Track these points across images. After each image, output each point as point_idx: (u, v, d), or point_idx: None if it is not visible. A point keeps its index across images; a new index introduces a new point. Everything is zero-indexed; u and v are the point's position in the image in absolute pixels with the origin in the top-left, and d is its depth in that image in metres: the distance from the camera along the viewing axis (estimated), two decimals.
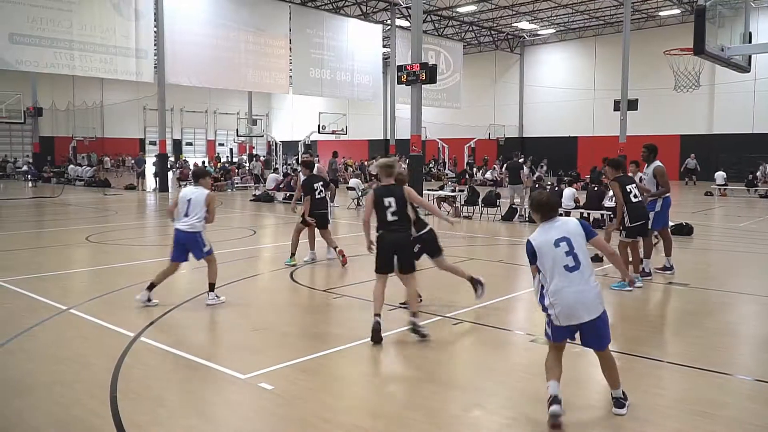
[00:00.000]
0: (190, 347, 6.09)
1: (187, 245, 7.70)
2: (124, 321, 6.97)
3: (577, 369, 5.47)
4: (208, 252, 7.75)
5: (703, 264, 11.35)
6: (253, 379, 5.23)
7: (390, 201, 6.33)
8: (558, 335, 4.61)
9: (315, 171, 11.83)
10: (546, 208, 4.63)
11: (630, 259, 9.04)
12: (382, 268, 6.45)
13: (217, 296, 7.73)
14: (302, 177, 11.07)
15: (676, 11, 35.27)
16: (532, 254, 4.56)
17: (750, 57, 9.95)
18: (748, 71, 10.09)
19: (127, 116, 51.02)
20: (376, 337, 6.13)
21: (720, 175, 28.11)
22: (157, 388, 5.17)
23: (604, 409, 4.79)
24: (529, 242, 4.57)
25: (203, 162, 39.91)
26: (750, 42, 9.26)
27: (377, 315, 6.24)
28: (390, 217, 6.33)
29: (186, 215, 7.67)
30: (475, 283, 7.62)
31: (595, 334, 4.53)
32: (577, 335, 4.57)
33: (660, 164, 9.79)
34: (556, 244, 4.47)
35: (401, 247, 6.42)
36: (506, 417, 4.68)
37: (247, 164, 40.39)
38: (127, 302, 7.77)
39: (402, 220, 6.39)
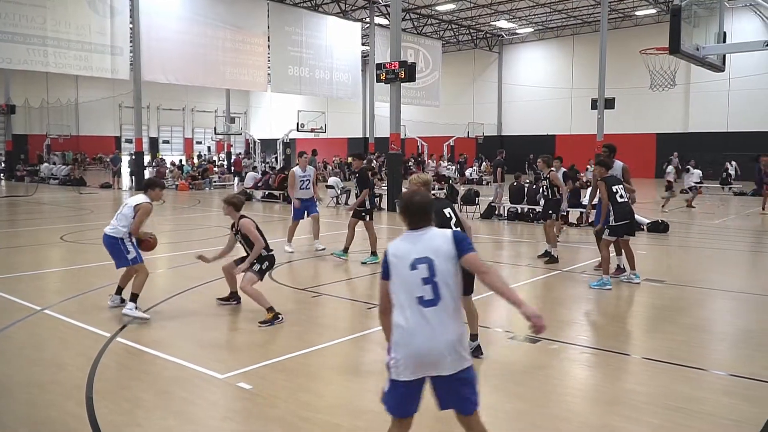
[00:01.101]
0: (168, 347, 6.02)
1: (108, 250, 7.27)
2: (100, 321, 6.88)
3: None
4: (134, 260, 7.25)
5: (679, 261, 11.49)
6: (231, 379, 5.19)
7: (449, 212, 5.79)
8: (398, 401, 3.55)
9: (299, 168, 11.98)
10: (414, 212, 3.47)
11: (613, 255, 9.17)
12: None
13: (137, 307, 7.03)
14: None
15: (652, 11, 35.66)
16: (386, 268, 3.43)
17: (724, 56, 10.11)
18: (723, 70, 10.24)
19: (103, 114, 50.39)
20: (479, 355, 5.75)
21: (696, 174, 28.42)
22: (134, 388, 5.10)
23: (595, 407, 4.81)
24: (386, 252, 3.48)
25: (180, 161, 39.54)
26: (724, 42, 9.41)
27: (476, 336, 5.78)
28: (454, 229, 5.61)
29: (115, 218, 7.32)
30: None
31: (453, 393, 3.46)
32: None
33: (623, 164, 9.85)
34: (414, 265, 3.31)
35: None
36: (487, 414, 4.69)
37: (225, 162, 40.10)
38: (103, 302, 7.67)
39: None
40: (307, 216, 12.10)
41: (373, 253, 10.61)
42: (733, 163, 29.60)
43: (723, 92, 35.03)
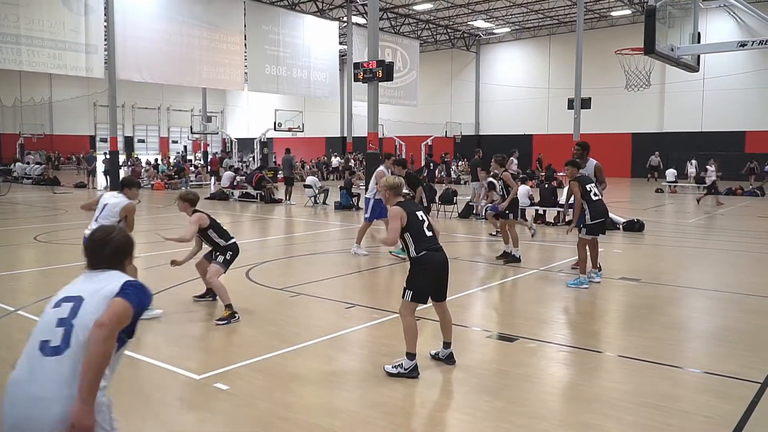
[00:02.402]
0: (143, 348, 5.94)
1: None
2: None
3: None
4: None
5: (654, 259, 11.62)
6: (208, 380, 5.13)
7: (421, 214, 5.40)
8: None
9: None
10: (93, 251, 2.84)
11: (589, 255, 9.21)
12: (424, 296, 5.33)
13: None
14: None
15: (628, 12, 36.05)
16: None
17: (699, 57, 10.22)
18: (697, 71, 10.35)
19: (77, 113, 49.66)
20: (416, 376, 5.25)
21: (671, 173, 28.87)
22: (109, 391, 5.01)
23: (559, 403, 4.83)
24: None
25: (156, 159, 39.10)
26: (699, 42, 9.50)
27: (414, 354, 5.27)
28: (427, 233, 5.34)
29: (95, 220, 7.02)
30: None
31: None
32: None
33: (597, 162, 9.90)
34: (58, 303, 2.65)
35: (446, 268, 5.45)
36: (465, 413, 4.69)
37: (202, 161, 39.76)
38: None
39: (436, 237, 5.47)
40: (379, 218, 11.57)
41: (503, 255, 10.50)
42: (693, 161, 30.10)
43: (697, 92, 35.54)
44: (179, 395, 4.94)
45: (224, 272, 7.24)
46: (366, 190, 12.76)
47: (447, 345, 5.59)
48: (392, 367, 5.28)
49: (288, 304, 7.90)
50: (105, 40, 25.93)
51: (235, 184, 24.17)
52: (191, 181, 31.07)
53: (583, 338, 6.58)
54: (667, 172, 29.56)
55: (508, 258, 10.72)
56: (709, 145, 34.34)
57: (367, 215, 11.63)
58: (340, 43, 37.02)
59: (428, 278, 5.28)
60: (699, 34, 9.46)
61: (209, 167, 34.04)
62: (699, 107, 36.18)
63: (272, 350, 5.89)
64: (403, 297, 5.32)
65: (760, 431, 4.39)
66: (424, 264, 5.26)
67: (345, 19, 35.38)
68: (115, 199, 7.17)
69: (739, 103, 34.71)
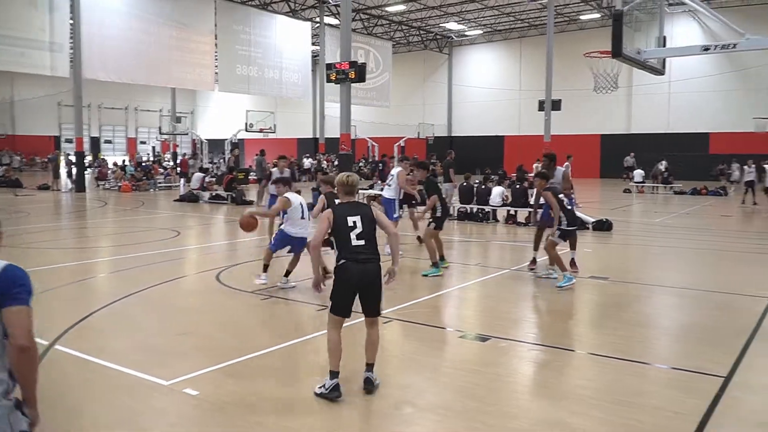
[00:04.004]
0: (110, 354, 5.83)
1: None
2: (37, 328, 6.61)
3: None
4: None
5: (623, 258, 11.78)
6: (177, 385, 5.05)
7: (355, 220, 4.95)
8: None
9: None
10: None
11: (566, 252, 9.36)
12: (342, 309, 4.94)
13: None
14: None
15: (597, 15, 36.55)
16: None
17: (664, 60, 10.40)
18: (663, 74, 10.53)
19: (41, 113, 48.69)
20: (336, 397, 4.81)
21: (638, 173, 29.34)
22: (75, 398, 4.92)
23: (534, 401, 4.86)
24: None
25: (123, 161, 38.49)
26: (664, 46, 9.68)
27: (336, 373, 4.86)
28: (355, 241, 4.90)
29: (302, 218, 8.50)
30: None
31: None
32: None
33: (564, 169, 10.39)
34: None
35: (370, 282, 4.94)
36: (437, 413, 4.69)
37: (171, 162, 39.31)
38: (40, 308, 7.36)
39: (371, 246, 4.97)
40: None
41: (434, 264, 9.69)
42: (664, 162, 30.68)
43: (663, 95, 36.20)
44: (148, 401, 4.86)
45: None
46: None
47: (368, 367, 5.04)
48: (317, 388, 4.88)
49: (259, 307, 7.83)
50: (70, 38, 25.44)
51: (205, 185, 23.91)
52: (160, 183, 30.66)
53: (554, 337, 6.64)
54: (634, 172, 30.05)
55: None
56: (675, 146, 35.04)
57: (395, 215, 11.62)
58: (313, 44, 36.88)
59: (343, 290, 4.90)
60: (664, 38, 9.64)
61: (179, 168, 33.63)
62: (665, 109, 36.86)
63: (242, 354, 5.83)
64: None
65: (724, 423, 4.47)
66: (339, 274, 4.92)
67: (317, 19, 35.28)
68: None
69: (703, 106, 35.46)
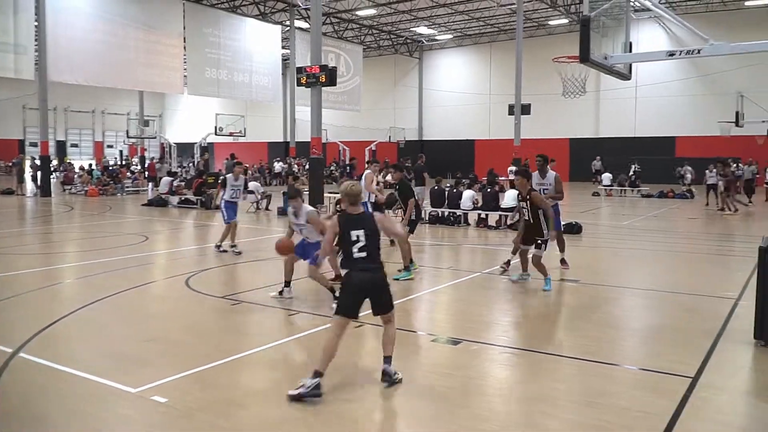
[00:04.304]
0: (76, 362, 5.70)
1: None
2: (2, 335, 6.45)
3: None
4: None
5: (592, 261, 11.92)
6: (145, 393, 4.96)
7: (358, 234, 5.19)
8: None
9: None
10: None
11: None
12: (349, 310, 5.15)
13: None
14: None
15: (564, 21, 37.02)
16: None
17: (631, 65, 10.54)
18: (629, 79, 10.67)
19: (5, 116, 47.63)
20: (317, 395, 4.86)
21: (606, 177, 29.77)
22: (41, 406, 4.80)
23: (505, 404, 4.88)
24: None
25: (89, 165, 37.84)
26: (630, 51, 9.81)
27: (321, 374, 4.93)
28: (357, 254, 5.18)
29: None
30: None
31: None
32: None
33: (556, 174, 10.35)
34: None
35: (376, 288, 5.24)
36: (409, 417, 4.68)
37: (139, 166, 38.80)
38: (6, 315, 7.20)
39: (373, 257, 5.23)
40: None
41: (406, 269, 9.68)
42: (634, 166, 31.20)
43: (630, 99, 36.83)
44: (115, 409, 4.77)
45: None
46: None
47: (386, 359, 5.31)
48: (294, 390, 4.86)
49: (229, 312, 7.74)
50: (36, 40, 24.96)
51: (173, 189, 23.62)
52: (128, 187, 30.22)
53: (525, 339, 6.68)
54: (602, 176, 30.49)
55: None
56: (642, 150, 35.64)
57: None
58: (283, 48, 36.72)
59: (350, 294, 5.17)
60: (630, 43, 9.77)
61: (146, 173, 33.20)
62: (632, 113, 37.51)
63: (212, 360, 5.75)
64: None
65: (692, 424, 4.54)
66: (347, 280, 5.23)
67: (288, 23, 35.14)
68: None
69: (669, 110, 36.17)
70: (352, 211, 5.33)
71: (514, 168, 28.84)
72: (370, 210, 11.72)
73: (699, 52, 8.75)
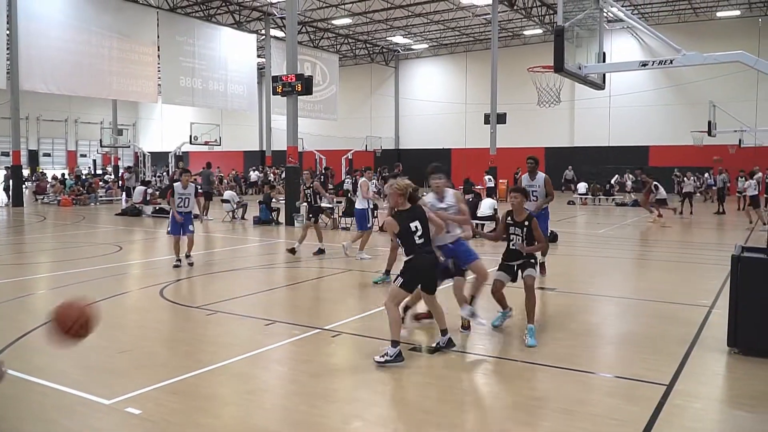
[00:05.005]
0: (47, 373, 5.60)
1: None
2: None
3: None
4: None
5: (568, 269, 12.01)
6: (119, 404, 4.88)
7: (416, 225, 6.03)
8: None
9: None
10: None
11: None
12: (410, 285, 6.08)
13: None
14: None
15: (539, 31, 37.46)
16: None
17: (604, 75, 10.68)
18: (603, 89, 10.81)
19: None
20: (401, 361, 5.82)
21: (582, 186, 30.07)
22: (13, 419, 4.70)
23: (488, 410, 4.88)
24: None
25: (62, 174, 37.30)
26: (604, 61, 9.94)
27: (398, 342, 5.88)
28: (418, 241, 6.02)
29: None
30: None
31: None
32: None
33: (546, 175, 10.48)
34: None
35: (433, 268, 6.22)
36: (386, 427, 4.66)
37: (113, 176, 38.36)
38: None
39: (428, 242, 6.15)
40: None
41: (387, 272, 9.86)
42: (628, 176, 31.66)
43: (604, 109, 37.31)
44: (88, 422, 4.68)
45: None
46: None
47: (443, 332, 6.25)
48: (380, 357, 5.78)
49: (204, 322, 7.66)
50: (7, 49, 24.59)
51: (147, 198, 23.36)
52: (101, 197, 29.83)
53: (502, 347, 6.69)
54: (578, 185, 30.78)
55: (320, 252, 12.77)
56: (616, 159, 36.09)
57: (369, 224, 12.53)
58: (259, 56, 36.63)
59: (414, 274, 6.01)
60: (604, 53, 9.90)
61: (120, 182, 32.81)
62: (606, 123, 37.99)
63: (187, 371, 5.68)
64: (393, 281, 6.11)
65: (667, 431, 4.58)
66: (412, 264, 6.00)
67: (263, 31, 35.07)
68: None
69: (642, 120, 36.70)
70: (402, 206, 6.06)
71: (489, 177, 29.08)
72: (370, 215, 12.70)
73: (671, 62, 8.90)
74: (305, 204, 13.76)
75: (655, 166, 33.54)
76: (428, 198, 6.89)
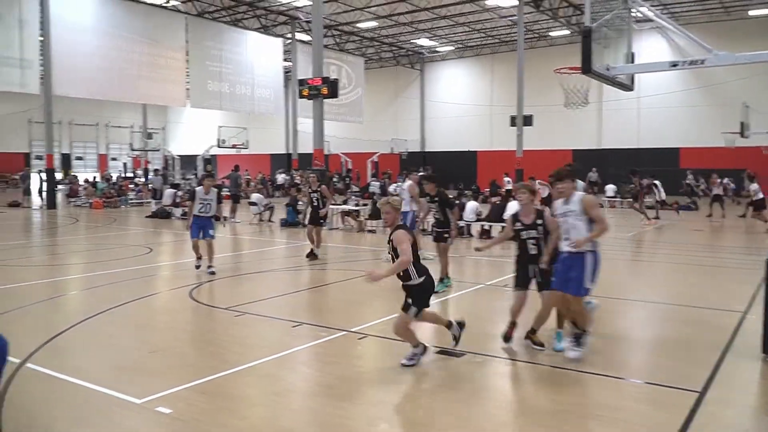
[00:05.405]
0: (81, 372, 5.70)
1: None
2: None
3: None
4: None
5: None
6: (149, 404, 4.96)
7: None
8: None
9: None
10: None
11: None
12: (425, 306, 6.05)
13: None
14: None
15: (566, 32, 37.13)
16: None
17: (633, 76, 10.55)
18: (632, 89, 10.66)
19: (11, 129, 47.79)
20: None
21: (610, 188, 29.72)
22: (47, 417, 4.80)
23: (512, 414, 4.86)
24: None
25: (94, 177, 37.93)
26: (633, 62, 9.82)
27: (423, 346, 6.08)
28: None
29: None
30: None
31: None
32: None
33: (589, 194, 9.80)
34: None
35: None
36: (413, 430, 4.67)
37: (143, 179, 38.93)
38: (12, 326, 7.19)
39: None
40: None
41: (442, 280, 9.63)
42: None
43: (633, 110, 36.82)
44: (120, 420, 4.76)
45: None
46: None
47: (449, 324, 6.38)
48: (406, 359, 5.91)
49: (232, 323, 7.74)
50: (41, 54, 25.12)
51: (177, 201, 23.65)
52: (131, 200, 30.28)
53: (530, 352, 6.64)
54: (606, 187, 30.42)
55: (312, 256, 12.69)
56: (645, 161, 35.57)
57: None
58: (285, 60, 36.90)
59: (428, 296, 5.99)
60: (633, 54, 9.78)
61: (150, 185, 33.26)
62: (635, 125, 37.47)
63: (216, 371, 5.75)
64: (407, 312, 5.86)
65: None
66: (426, 287, 5.90)
67: (289, 35, 35.31)
68: None
69: (672, 121, 36.13)
70: (397, 223, 6.00)
71: (508, 179, 28.94)
72: (409, 220, 11.72)
73: (703, 62, 8.75)
74: (310, 207, 13.51)
75: (687, 168, 33.02)
76: (557, 203, 6.34)
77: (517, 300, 6.65)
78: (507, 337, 6.65)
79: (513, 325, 6.70)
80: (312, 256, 12.78)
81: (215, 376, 5.65)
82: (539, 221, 6.52)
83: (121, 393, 5.19)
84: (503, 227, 15.95)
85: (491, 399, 5.33)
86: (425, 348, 6.03)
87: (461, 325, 6.43)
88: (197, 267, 11.19)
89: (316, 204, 13.24)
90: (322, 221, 13.35)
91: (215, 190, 11.48)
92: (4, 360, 2.42)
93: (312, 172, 14.17)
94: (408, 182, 12.80)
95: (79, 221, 21.84)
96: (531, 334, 6.59)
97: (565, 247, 6.16)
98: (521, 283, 6.69)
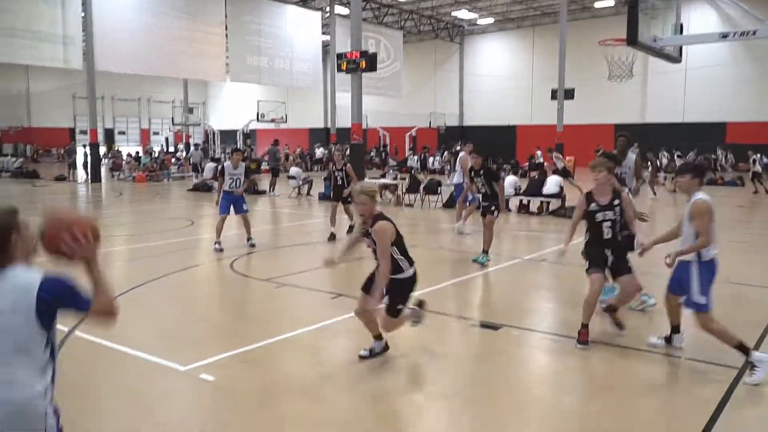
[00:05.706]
0: (127, 340, 5.89)
1: None
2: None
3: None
4: None
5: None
6: (193, 371, 5.11)
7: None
8: None
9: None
10: None
11: None
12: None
13: None
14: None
15: (611, 2, 36.14)
16: None
17: (681, 48, 10.28)
18: (679, 62, 10.42)
19: (56, 105, 48.97)
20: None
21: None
22: (93, 383, 4.99)
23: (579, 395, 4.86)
24: None
25: (137, 152, 38.67)
26: (681, 33, 9.57)
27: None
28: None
29: None
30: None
31: None
32: None
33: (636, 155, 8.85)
34: None
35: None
36: (449, 401, 4.71)
37: (185, 153, 39.57)
38: None
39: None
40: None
41: (485, 252, 9.68)
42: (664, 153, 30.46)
43: (679, 83, 35.76)
44: (165, 387, 4.92)
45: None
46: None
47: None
48: (364, 351, 5.43)
49: (272, 294, 7.88)
50: (83, 31, 25.58)
51: (217, 175, 23.98)
52: (173, 174, 30.82)
53: (567, 327, 6.60)
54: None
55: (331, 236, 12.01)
56: (690, 136, 34.66)
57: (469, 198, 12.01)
58: (323, 33, 36.80)
59: (411, 291, 5.39)
60: (681, 25, 9.53)
61: (190, 159, 33.80)
62: (681, 98, 36.44)
63: (257, 341, 5.88)
64: (394, 316, 5.28)
65: (737, 413, 4.46)
66: (415, 279, 5.35)
67: (328, 9, 35.16)
68: None
69: (720, 95, 34.98)
70: (374, 214, 5.22)
71: (539, 153, 28.48)
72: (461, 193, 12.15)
73: (754, 33, 8.48)
74: (332, 185, 12.90)
75: (732, 143, 32.09)
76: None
77: (594, 285, 5.83)
78: (620, 325, 6.14)
79: (613, 309, 6.14)
80: (332, 238, 12.03)
81: (256, 345, 5.78)
82: (616, 202, 5.89)
83: (165, 360, 5.35)
84: (542, 202, 15.96)
85: (529, 373, 5.35)
86: (387, 346, 5.49)
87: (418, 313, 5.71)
88: (218, 249, 10.64)
89: (340, 183, 12.59)
90: (349, 199, 12.65)
91: (243, 164, 11.34)
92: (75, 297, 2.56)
93: (338, 149, 13.76)
94: (462, 153, 13.00)
95: (122, 195, 22.35)
96: (612, 312, 6.15)
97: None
98: (598, 263, 5.94)
